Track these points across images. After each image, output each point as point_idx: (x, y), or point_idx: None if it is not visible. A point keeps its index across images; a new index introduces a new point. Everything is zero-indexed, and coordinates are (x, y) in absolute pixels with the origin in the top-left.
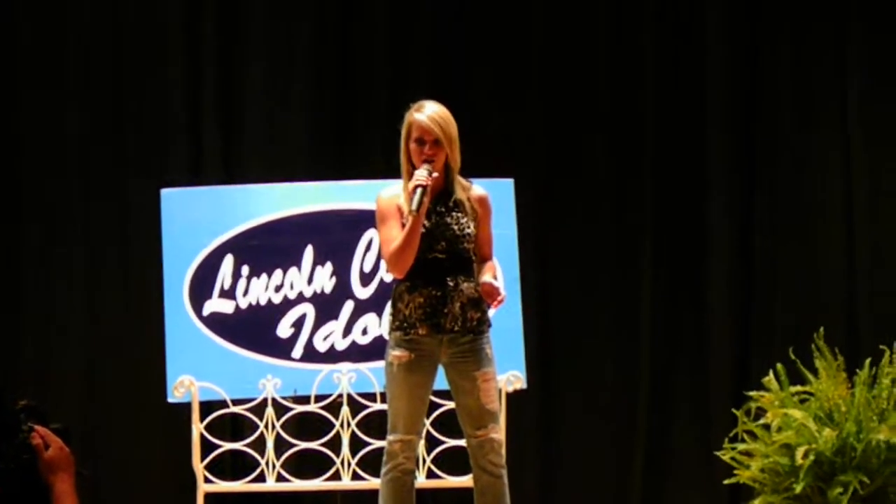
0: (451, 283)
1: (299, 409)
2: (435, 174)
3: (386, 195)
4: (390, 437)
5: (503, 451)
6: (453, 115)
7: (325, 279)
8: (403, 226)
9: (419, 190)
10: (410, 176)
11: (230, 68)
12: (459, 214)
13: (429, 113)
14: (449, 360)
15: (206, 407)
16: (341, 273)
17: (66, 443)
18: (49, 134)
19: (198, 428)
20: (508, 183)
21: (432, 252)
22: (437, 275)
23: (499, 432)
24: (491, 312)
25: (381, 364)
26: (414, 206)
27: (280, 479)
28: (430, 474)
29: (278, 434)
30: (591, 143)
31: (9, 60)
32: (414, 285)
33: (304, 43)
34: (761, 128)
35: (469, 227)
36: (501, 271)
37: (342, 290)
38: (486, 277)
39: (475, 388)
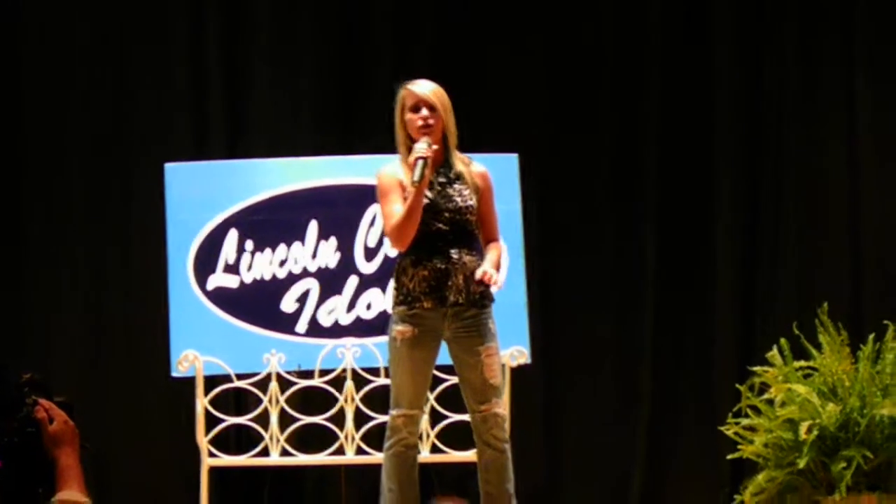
0: (454, 256)
1: (303, 383)
2: (434, 146)
3: (386, 171)
4: (393, 412)
5: (507, 425)
6: (456, 93)
7: (329, 254)
8: (405, 200)
9: (420, 162)
10: (408, 149)
11: (234, 44)
12: (462, 186)
13: (422, 83)
14: (452, 335)
15: (211, 381)
16: (345, 248)
17: (69, 416)
18: (51, 110)
19: (202, 402)
20: (513, 158)
21: (436, 224)
22: (440, 247)
23: (502, 407)
24: (494, 289)
25: (385, 339)
26: (416, 177)
27: (284, 453)
28: (434, 449)
29: (282, 408)
30: (597, 125)
31: (12, 38)
32: (418, 258)
33: (307, 17)
34: (765, 117)
35: (472, 199)
36: (506, 249)
37: (346, 264)
38: (483, 266)
39: (479, 363)
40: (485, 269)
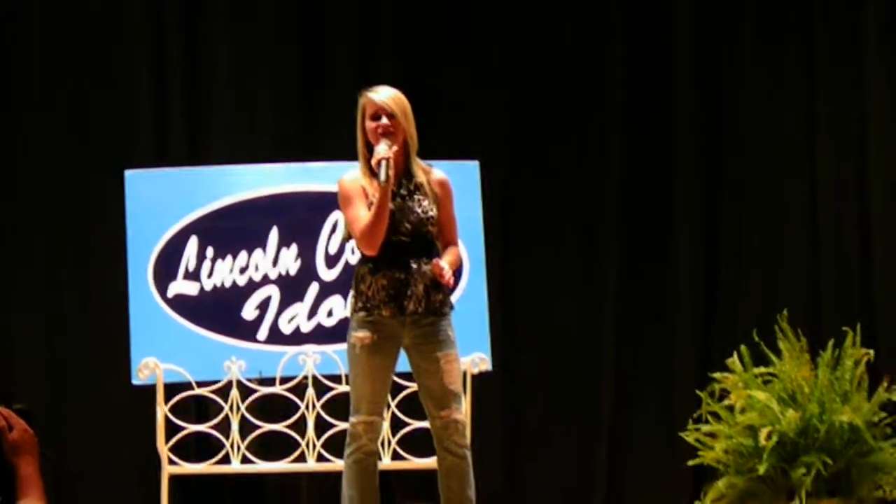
0: (414, 266)
1: (264, 390)
2: (395, 147)
3: (349, 178)
4: (353, 419)
5: (467, 432)
6: (416, 97)
7: (290, 261)
8: (370, 206)
9: (383, 163)
10: (366, 158)
11: (195, 50)
12: (421, 197)
13: (382, 91)
14: (411, 343)
15: (171, 389)
16: (306, 255)
17: (28, 423)
18: (7, 114)
19: (162, 410)
20: (474, 165)
21: (396, 234)
22: (400, 257)
23: (462, 413)
24: (455, 297)
25: (345, 346)
26: (382, 179)
27: (245, 461)
28: (396, 456)
29: (243, 416)
30: (557, 126)
31: None
32: (376, 267)
33: (268, 23)
34: (724, 115)
35: (432, 210)
36: (467, 255)
37: (307, 271)
38: (440, 261)
39: (438, 370)
40: (440, 262)
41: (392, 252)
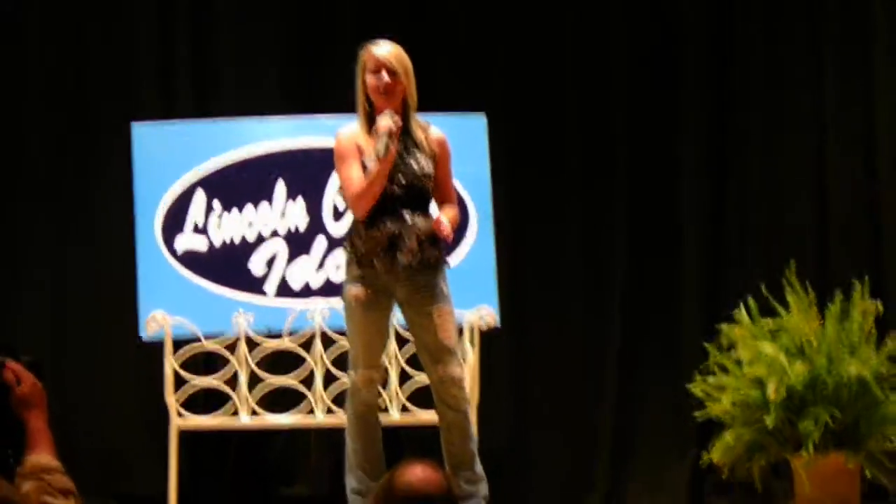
0: (408, 218)
1: (272, 344)
2: (399, 123)
3: (346, 133)
4: (352, 373)
5: (465, 385)
6: (421, 50)
7: (297, 214)
8: (364, 166)
9: (384, 137)
10: (365, 110)
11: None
12: (419, 154)
13: (383, 45)
14: (405, 297)
15: (179, 343)
16: (313, 207)
17: (37, 377)
18: (11, 67)
19: (171, 363)
20: (481, 120)
21: (392, 189)
22: (395, 211)
23: (459, 367)
24: (462, 254)
25: None
26: (381, 153)
27: (253, 414)
28: (404, 410)
29: (251, 370)
30: (562, 78)
31: None
32: (371, 220)
33: None
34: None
35: (428, 167)
36: (475, 211)
37: (315, 224)
38: (441, 216)
39: (431, 324)
40: (441, 217)
41: (387, 206)
